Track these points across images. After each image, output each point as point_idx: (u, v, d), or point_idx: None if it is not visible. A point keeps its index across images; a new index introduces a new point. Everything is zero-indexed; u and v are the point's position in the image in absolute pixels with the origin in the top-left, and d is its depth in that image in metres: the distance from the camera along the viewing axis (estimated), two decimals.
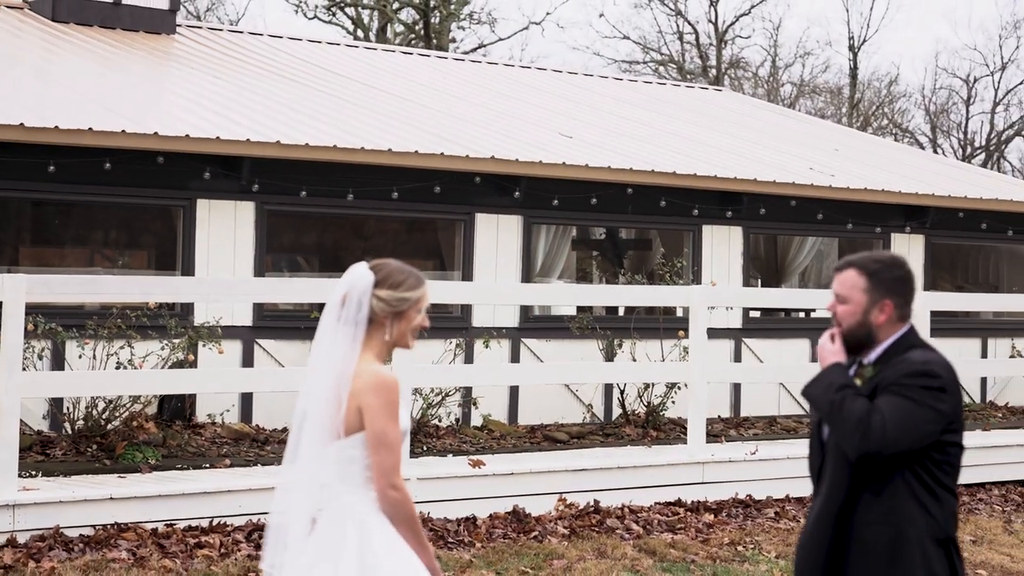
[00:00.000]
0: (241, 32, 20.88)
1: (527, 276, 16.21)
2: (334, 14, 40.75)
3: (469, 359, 15.43)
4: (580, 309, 16.33)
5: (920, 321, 14.56)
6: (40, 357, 12.43)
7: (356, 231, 16.42)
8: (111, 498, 10.51)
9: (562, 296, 14.81)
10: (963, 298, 17.40)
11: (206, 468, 12.11)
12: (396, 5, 40.05)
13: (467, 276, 15.62)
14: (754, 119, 22.65)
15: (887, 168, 20.42)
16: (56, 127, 12.78)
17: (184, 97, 15.48)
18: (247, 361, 14.29)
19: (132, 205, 14.23)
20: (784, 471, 13.57)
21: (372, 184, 15.07)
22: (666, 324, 16.07)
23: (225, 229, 14.29)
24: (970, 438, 15.51)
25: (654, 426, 15.55)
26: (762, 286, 18.78)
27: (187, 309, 13.84)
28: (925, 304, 14.69)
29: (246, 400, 14.31)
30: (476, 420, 15.54)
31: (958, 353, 19.36)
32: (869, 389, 5.05)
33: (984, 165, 48.29)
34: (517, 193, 15.89)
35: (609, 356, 15.96)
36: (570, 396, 16.35)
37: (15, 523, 10.11)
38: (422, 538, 5.04)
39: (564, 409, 16.28)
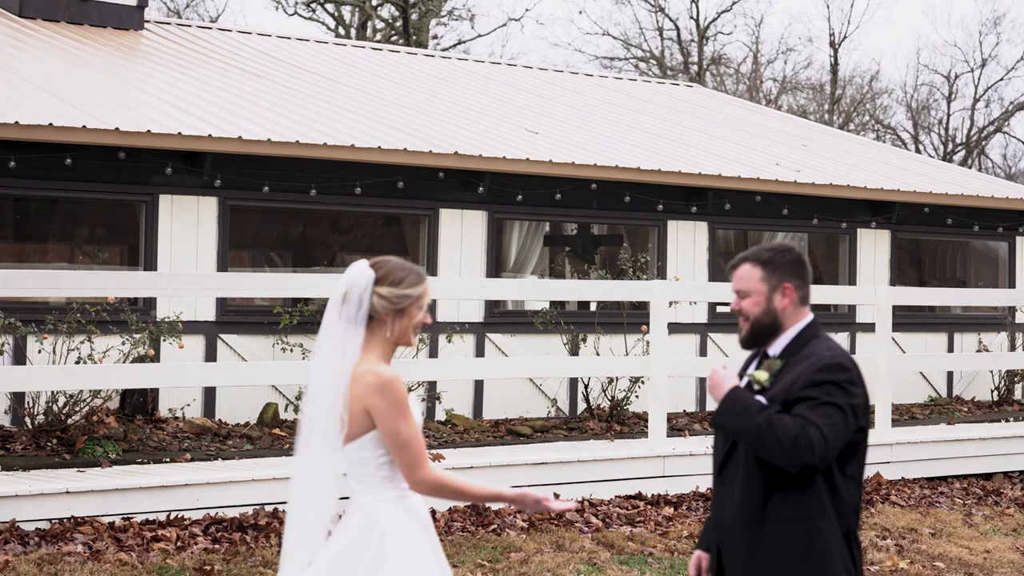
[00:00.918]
0: (210, 28, 20.88)
1: (493, 271, 16.26)
2: (314, 11, 40.74)
3: (434, 354, 15.48)
4: (553, 304, 16.39)
5: (883, 315, 14.65)
6: (0, 352, 12.43)
7: (323, 227, 16.44)
8: (67, 492, 10.54)
9: (524, 291, 14.86)
10: (927, 293, 17.48)
11: (167, 463, 12.14)
12: (376, 2, 40.04)
13: (432, 271, 15.66)
14: (724, 115, 22.72)
15: (854, 164, 20.50)
16: (16, 122, 12.78)
17: (148, 93, 15.49)
18: (210, 356, 14.31)
19: (94, 200, 14.25)
20: None
21: (335, 179, 15.11)
22: (630, 319, 16.13)
23: (188, 224, 14.31)
24: (934, 432, 15.63)
25: (618, 420, 15.61)
26: None
27: (149, 304, 13.86)
28: (888, 298, 14.77)
29: (209, 395, 14.33)
30: (440, 415, 15.58)
31: (924, 348, 19.48)
32: (774, 383, 5.10)
33: (965, 161, 48.43)
34: (481, 188, 15.93)
35: (574, 351, 16.02)
36: (535, 391, 16.41)
37: None
38: (480, 496, 5.10)
39: (529, 404, 16.33)
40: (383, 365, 5.01)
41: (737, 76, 49.28)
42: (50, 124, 12.95)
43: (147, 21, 19.27)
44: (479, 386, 15.98)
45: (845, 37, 48.96)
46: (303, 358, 14.52)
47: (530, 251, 17.14)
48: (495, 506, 12.03)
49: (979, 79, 49.63)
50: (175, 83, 16.22)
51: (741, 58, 50.48)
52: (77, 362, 12.28)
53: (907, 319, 19.12)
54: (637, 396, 15.69)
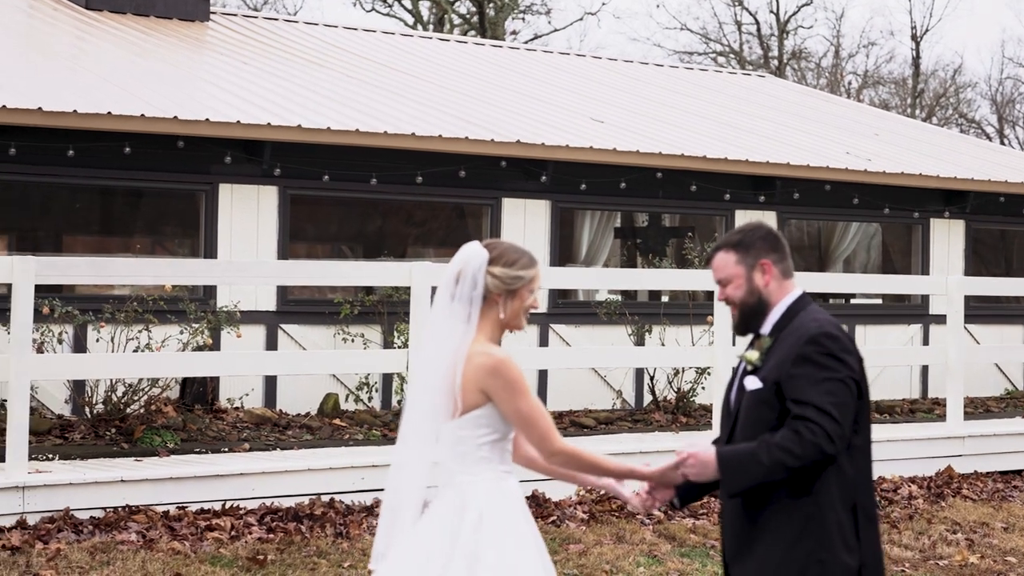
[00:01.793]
0: (276, 19, 20.85)
1: (557, 261, 16.07)
2: (391, 6, 40.75)
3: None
4: (626, 295, 16.18)
5: (955, 306, 14.32)
6: (60, 341, 12.40)
7: (388, 218, 16.32)
8: (122, 480, 10.47)
9: (587, 280, 14.67)
10: (999, 283, 17.06)
11: (224, 452, 12.05)
12: None
13: None
14: (795, 104, 22.40)
15: (927, 152, 20.12)
16: (75, 111, 12.75)
17: (210, 82, 15.45)
18: (271, 346, 14.23)
19: (153, 190, 14.21)
20: None
21: (396, 168, 14.98)
22: (697, 310, 15.89)
23: (248, 213, 14.24)
24: (1008, 425, 15.28)
25: (684, 412, 15.38)
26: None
27: (208, 294, 13.79)
28: (960, 288, 14.44)
29: (269, 385, 14.25)
30: None
31: (1000, 340, 19.08)
32: (765, 361, 4.95)
33: None
34: (544, 177, 15.75)
35: (639, 342, 15.80)
36: (600, 382, 16.21)
37: (25, 505, 10.09)
38: (615, 471, 5.14)
39: (593, 395, 16.13)
40: (493, 346, 4.98)
41: (818, 71, 48.79)
42: (108, 112, 12.91)
43: (213, 12, 19.25)
44: (543, 376, 15.80)
45: (927, 30, 48.34)
46: (364, 348, 14.41)
47: (601, 243, 16.96)
48: (555, 497, 11.87)
49: None
50: (237, 73, 16.17)
51: (822, 52, 50.01)
52: (136, 350, 12.22)
53: (982, 310, 18.73)
54: (703, 388, 15.45)
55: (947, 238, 18.99)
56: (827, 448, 4.77)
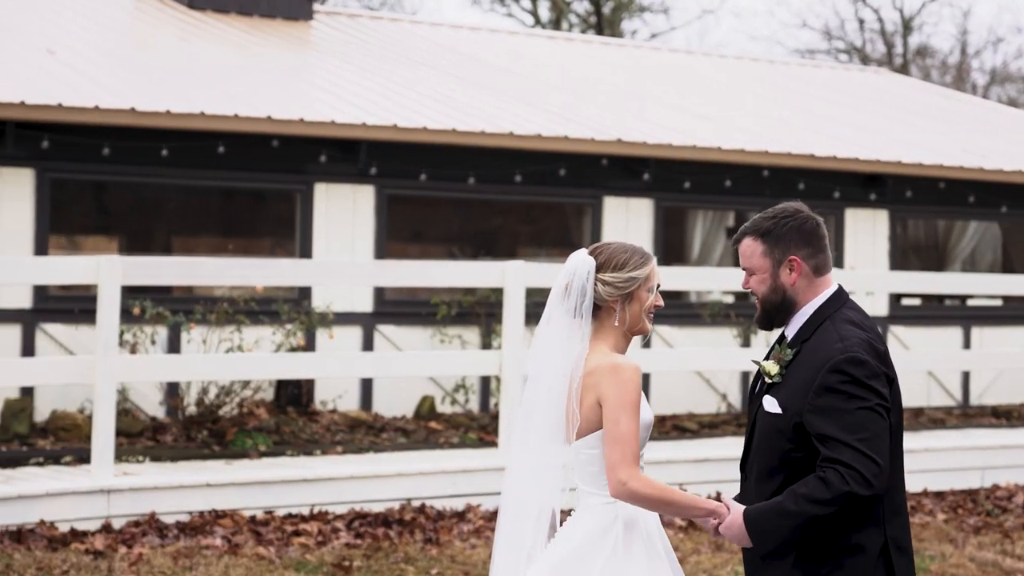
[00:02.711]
0: (380, 19, 20.72)
1: (662, 261, 15.72)
2: (509, 7, 40.63)
3: None
4: (738, 295, 15.79)
5: None
6: (153, 342, 12.32)
7: (489, 217, 16.09)
8: (208, 484, 10.35)
9: (695, 280, 14.32)
10: None
11: (317, 455, 11.90)
12: None
13: None
14: (910, 100, 21.82)
15: None
16: (167, 111, 12.67)
17: (307, 82, 15.32)
18: (367, 347, 14.04)
19: (248, 190, 14.10)
20: (922, 464, 12.94)
21: (495, 167, 14.73)
22: None
23: (344, 213, 14.07)
24: None
25: None
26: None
27: (304, 295, 13.65)
28: None
29: (366, 387, 14.07)
30: None
31: None
32: (784, 375, 4.52)
33: None
34: (646, 176, 15.42)
35: (745, 343, 15.41)
36: (703, 385, 15.83)
37: (110, 508, 10.01)
38: (682, 510, 4.66)
39: (696, 399, 15.76)
40: (618, 356, 4.69)
41: (944, 67, 47.82)
42: (201, 112, 12.81)
43: (316, 12, 19.15)
44: (645, 379, 15.45)
45: None
46: (462, 349, 14.19)
47: (714, 242, 16.60)
48: None
49: None
50: (336, 72, 16.03)
51: (948, 49, 48.97)
52: (228, 351, 12.09)
53: None
54: None
55: None
56: (863, 492, 4.31)
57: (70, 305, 12.67)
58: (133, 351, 12.08)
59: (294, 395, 13.38)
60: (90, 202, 14.33)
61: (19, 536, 9.63)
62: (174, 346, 12.93)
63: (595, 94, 17.48)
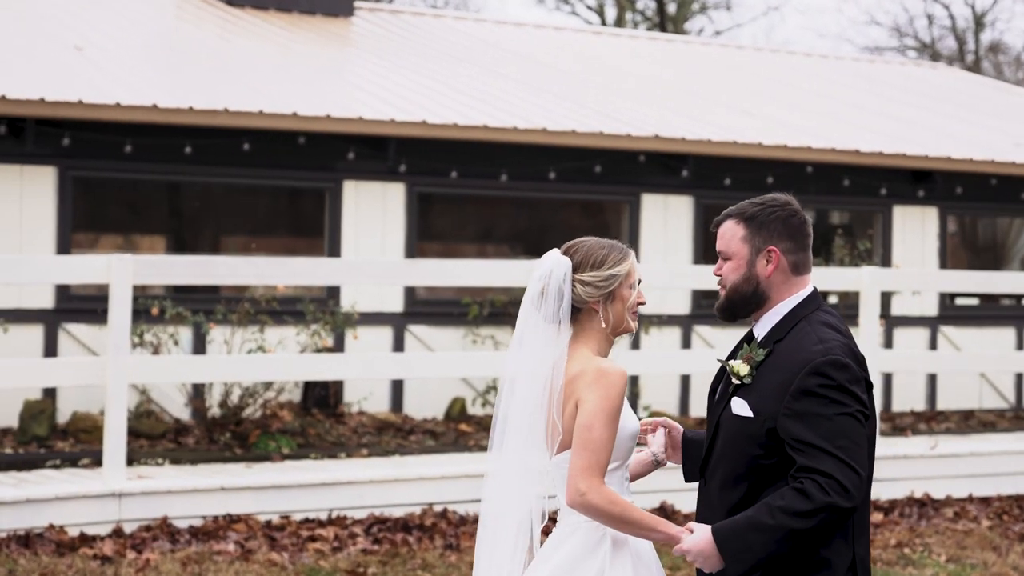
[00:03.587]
0: (423, 15, 20.47)
1: (702, 259, 15.34)
2: (573, 6, 40.34)
3: (635, 346, 14.65)
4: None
5: None
6: (175, 343, 12.09)
7: (522, 216, 15.76)
8: (222, 488, 10.10)
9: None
10: None
11: (341, 458, 11.63)
12: None
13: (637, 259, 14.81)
14: (967, 95, 21.30)
15: None
16: (191, 108, 12.45)
17: (340, 78, 15.08)
18: (398, 348, 13.78)
19: (274, 188, 13.87)
20: (968, 468, 12.53)
21: (528, 164, 14.42)
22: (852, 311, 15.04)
23: (374, 211, 13.79)
24: None
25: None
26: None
27: (332, 294, 13.39)
28: None
29: (396, 388, 13.80)
30: (640, 413, 14.76)
31: None
32: (754, 377, 4.18)
33: None
34: (685, 172, 15.06)
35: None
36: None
37: (121, 513, 9.79)
38: (641, 532, 4.29)
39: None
40: (603, 360, 4.38)
41: (1017, 63, 47.08)
42: (225, 109, 12.58)
43: (357, 7, 18.89)
44: (684, 382, 15.10)
45: None
46: (495, 350, 13.89)
47: None
48: (686, 509, 11.26)
49: None
50: (370, 68, 15.77)
51: (1022, 45, 48.26)
52: (250, 352, 11.85)
53: None
54: None
55: None
56: (843, 504, 4.00)
57: (93, 305, 12.47)
58: (156, 352, 11.86)
59: (321, 396, 13.12)
60: (119, 200, 14.13)
61: (27, 541, 9.42)
62: (199, 347, 12.71)
63: (633, 89, 17.12)
